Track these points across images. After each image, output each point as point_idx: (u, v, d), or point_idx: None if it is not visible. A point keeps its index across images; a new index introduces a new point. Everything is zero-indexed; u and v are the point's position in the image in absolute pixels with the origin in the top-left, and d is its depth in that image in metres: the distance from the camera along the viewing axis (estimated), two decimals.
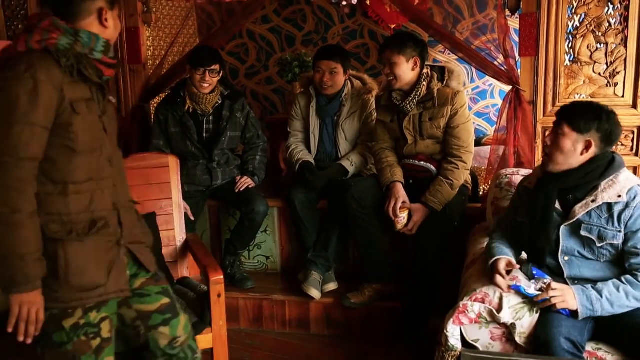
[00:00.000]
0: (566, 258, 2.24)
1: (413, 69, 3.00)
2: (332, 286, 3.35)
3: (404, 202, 3.00)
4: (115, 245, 1.91)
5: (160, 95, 3.76)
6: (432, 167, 3.07)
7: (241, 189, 3.40)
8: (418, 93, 3.02)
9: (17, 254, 1.68)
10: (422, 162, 3.08)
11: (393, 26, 5.20)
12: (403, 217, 2.99)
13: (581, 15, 3.00)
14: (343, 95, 3.50)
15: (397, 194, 3.02)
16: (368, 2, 5.11)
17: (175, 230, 3.00)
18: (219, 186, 3.49)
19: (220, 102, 3.45)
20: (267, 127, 4.74)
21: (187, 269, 3.02)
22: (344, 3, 4.97)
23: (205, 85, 3.32)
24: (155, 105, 3.73)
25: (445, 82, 3.04)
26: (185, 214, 3.24)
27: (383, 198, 3.10)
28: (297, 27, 5.52)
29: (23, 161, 1.69)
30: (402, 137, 3.14)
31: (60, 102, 1.74)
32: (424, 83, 3.01)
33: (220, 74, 3.41)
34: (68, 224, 1.80)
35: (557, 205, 2.26)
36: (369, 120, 3.51)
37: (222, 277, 2.56)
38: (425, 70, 3.03)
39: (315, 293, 3.24)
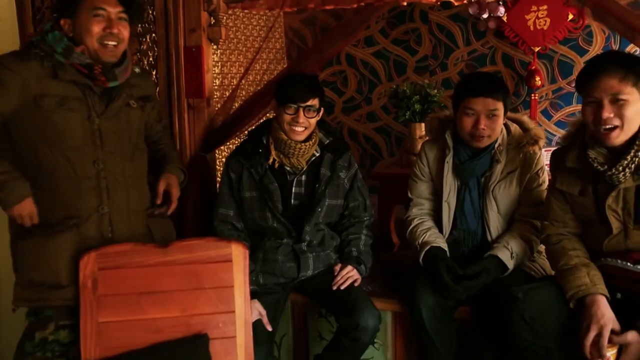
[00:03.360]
0: None
1: None
2: None
3: (613, 331, 1.86)
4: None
5: (230, 143, 2.73)
6: None
7: (341, 287, 2.34)
8: (638, 154, 1.92)
9: None
10: None
11: (537, 49, 4.02)
12: (610, 355, 1.88)
13: None
14: (496, 146, 2.40)
15: (601, 316, 1.88)
16: (504, 19, 3.98)
17: None
18: (307, 277, 2.46)
19: (318, 154, 2.47)
20: (369, 178, 3.64)
21: None
22: (485, 16, 3.88)
23: (299, 129, 2.40)
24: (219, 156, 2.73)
25: None
26: (259, 322, 2.21)
27: (568, 317, 1.99)
28: (409, 50, 4.47)
29: None
30: (602, 222, 2.03)
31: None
32: None
33: (320, 113, 2.44)
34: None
35: None
36: (535, 184, 2.42)
37: None
38: None
39: None
